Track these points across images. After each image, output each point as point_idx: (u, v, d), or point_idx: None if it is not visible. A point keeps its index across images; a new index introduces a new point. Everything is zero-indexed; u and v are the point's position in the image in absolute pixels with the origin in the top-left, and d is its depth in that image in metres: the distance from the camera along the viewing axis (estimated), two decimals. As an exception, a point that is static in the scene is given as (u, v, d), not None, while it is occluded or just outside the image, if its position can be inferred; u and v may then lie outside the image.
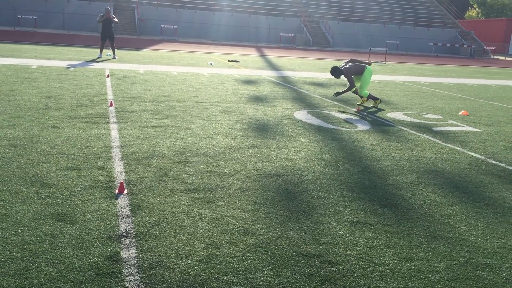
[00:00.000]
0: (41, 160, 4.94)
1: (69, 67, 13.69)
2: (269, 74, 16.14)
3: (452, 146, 6.96)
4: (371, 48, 30.09)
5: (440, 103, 11.54)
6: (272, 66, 19.45)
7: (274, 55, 26.73)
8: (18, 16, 32.81)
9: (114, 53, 18.04)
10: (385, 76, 18.22)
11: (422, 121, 8.85)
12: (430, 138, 7.45)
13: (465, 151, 6.73)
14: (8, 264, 2.93)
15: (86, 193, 4.15)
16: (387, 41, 41.44)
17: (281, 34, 39.32)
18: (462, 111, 10.17)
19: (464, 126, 8.61)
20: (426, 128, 8.19)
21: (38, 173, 4.54)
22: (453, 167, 5.83)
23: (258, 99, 10.15)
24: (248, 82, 13.27)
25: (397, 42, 42.48)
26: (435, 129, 8.20)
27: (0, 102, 7.82)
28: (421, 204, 4.46)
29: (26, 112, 7.19)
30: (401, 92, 13.43)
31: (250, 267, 3.11)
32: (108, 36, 17.72)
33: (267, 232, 3.62)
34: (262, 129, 7.22)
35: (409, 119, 9.03)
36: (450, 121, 9.06)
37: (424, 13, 49.03)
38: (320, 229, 3.75)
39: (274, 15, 41.39)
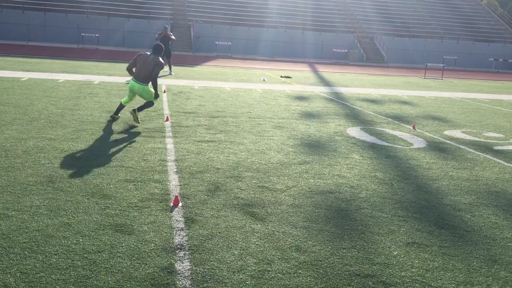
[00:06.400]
0: (101, 172, 5.15)
1: (128, 83, 14.23)
2: (321, 90, 16.09)
3: (515, 166, 6.65)
4: (428, 64, 29.34)
5: (502, 121, 11.07)
6: (325, 82, 19.38)
7: (327, 71, 26.62)
8: (82, 34, 34.57)
9: (170, 69, 18.60)
10: (442, 93, 17.71)
11: (482, 140, 8.52)
12: (491, 157, 7.15)
13: (528, 171, 6.41)
14: (70, 271, 3.07)
15: (143, 205, 4.28)
16: (445, 57, 40.32)
17: (334, 50, 39.14)
18: (526, 130, 9.71)
19: (527, 146, 8.21)
20: (486, 147, 7.87)
21: (99, 185, 4.74)
22: (516, 189, 5.56)
23: (310, 115, 10.13)
24: (301, 98, 13.28)
25: (455, 57, 41.24)
26: (496, 148, 7.87)
27: (65, 116, 8.24)
28: (480, 226, 4.28)
29: (88, 126, 7.53)
30: (459, 109, 12.99)
31: (302, 284, 3.09)
32: (165, 53, 18.32)
33: (319, 250, 3.60)
34: (314, 145, 7.20)
35: (467, 137, 8.72)
36: (512, 140, 8.67)
37: (484, 28, 47.38)
38: (374, 249, 3.68)
39: (327, 31, 41.34)
